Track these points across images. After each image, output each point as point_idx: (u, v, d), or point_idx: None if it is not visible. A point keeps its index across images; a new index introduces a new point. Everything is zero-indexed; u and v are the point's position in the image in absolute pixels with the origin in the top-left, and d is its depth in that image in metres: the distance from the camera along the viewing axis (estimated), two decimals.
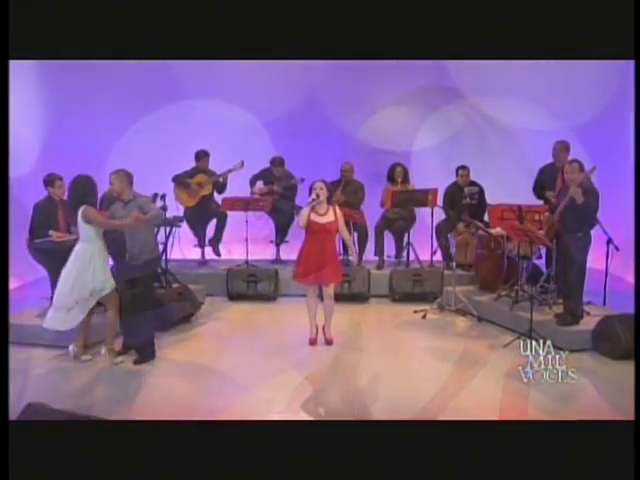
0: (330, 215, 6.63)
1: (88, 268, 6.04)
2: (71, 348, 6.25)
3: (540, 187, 8.01)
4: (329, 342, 6.86)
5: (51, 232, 6.87)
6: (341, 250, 9.14)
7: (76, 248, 6.13)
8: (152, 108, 10.25)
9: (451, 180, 9.20)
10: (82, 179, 6.20)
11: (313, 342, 6.86)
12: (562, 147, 7.89)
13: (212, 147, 9.51)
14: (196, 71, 10.00)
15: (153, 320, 6.40)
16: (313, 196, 6.56)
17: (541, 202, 7.93)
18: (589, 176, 6.56)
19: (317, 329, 6.90)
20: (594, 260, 6.99)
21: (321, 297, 6.92)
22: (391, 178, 9.20)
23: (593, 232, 6.70)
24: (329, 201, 6.69)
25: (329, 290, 6.77)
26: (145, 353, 6.25)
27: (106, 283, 6.11)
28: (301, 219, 6.62)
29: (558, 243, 6.86)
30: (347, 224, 8.51)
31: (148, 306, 6.32)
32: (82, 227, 6.07)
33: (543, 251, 7.86)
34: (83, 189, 6.15)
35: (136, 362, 6.18)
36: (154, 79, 9.99)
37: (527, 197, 8.03)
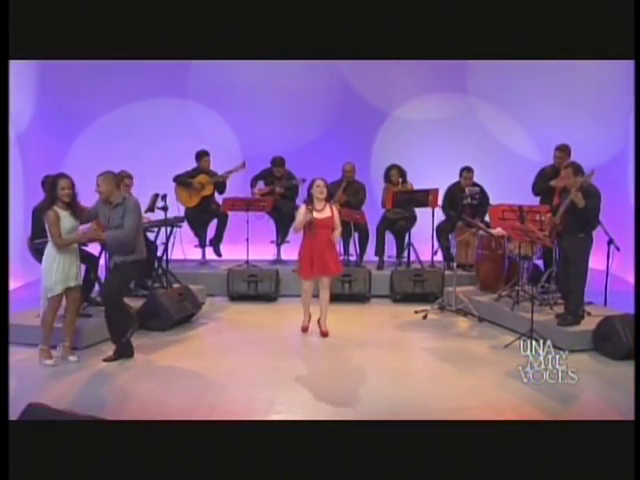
0: (327, 211, 6.92)
1: (44, 266, 6.07)
2: (58, 351, 6.25)
3: (539, 185, 8.03)
4: (325, 334, 7.06)
5: None
6: (341, 250, 9.17)
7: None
8: (154, 107, 10.27)
9: (451, 178, 9.21)
10: (46, 179, 6.25)
11: (305, 330, 7.20)
12: (562, 150, 7.90)
13: (213, 147, 9.53)
14: (197, 70, 10.03)
15: (122, 318, 6.28)
16: (321, 196, 6.85)
17: (538, 200, 7.99)
18: (589, 179, 6.55)
19: (310, 317, 7.19)
20: (595, 260, 6.98)
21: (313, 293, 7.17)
22: (388, 179, 9.21)
23: (594, 232, 6.70)
24: (326, 199, 6.95)
25: (325, 282, 7.03)
26: (118, 351, 6.26)
27: (55, 285, 6.04)
28: (298, 222, 6.93)
29: (560, 244, 6.85)
30: (348, 224, 8.57)
31: (115, 303, 6.23)
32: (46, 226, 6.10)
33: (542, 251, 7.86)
34: (45, 189, 6.23)
35: (104, 359, 6.21)
36: (156, 78, 10.03)
37: (524, 198, 8.07)
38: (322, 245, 6.85)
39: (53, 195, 6.05)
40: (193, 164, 9.33)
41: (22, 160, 9.36)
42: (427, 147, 10.36)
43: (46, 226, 6.04)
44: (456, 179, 9.11)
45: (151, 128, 10.22)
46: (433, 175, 9.41)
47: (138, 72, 9.72)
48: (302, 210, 6.91)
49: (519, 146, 10.38)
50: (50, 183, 6.12)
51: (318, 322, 7.12)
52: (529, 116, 10.30)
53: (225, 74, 10.10)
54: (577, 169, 6.49)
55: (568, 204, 6.47)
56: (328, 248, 6.93)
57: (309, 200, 6.95)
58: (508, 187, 9.03)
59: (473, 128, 10.42)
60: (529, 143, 10.35)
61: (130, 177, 7.74)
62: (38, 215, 6.97)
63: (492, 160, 9.89)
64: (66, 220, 6.04)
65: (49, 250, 6.06)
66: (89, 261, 7.00)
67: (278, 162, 9.40)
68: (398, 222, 9.21)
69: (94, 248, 7.24)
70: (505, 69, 9.83)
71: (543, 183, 8.01)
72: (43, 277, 6.09)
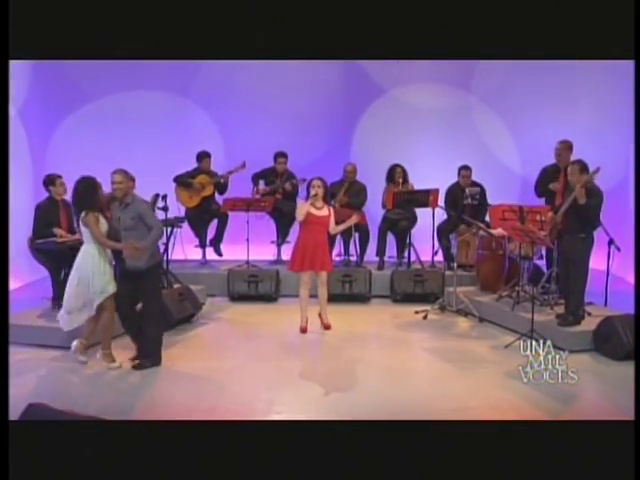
0: (325, 210, 7.18)
1: (89, 270, 5.98)
2: (74, 344, 6.15)
3: (542, 185, 8.00)
4: (327, 327, 7.30)
5: (55, 230, 6.89)
6: (342, 250, 9.18)
7: (81, 250, 6.09)
8: (157, 107, 10.28)
9: (452, 179, 9.22)
10: (84, 181, 6.07)
11: (304, 330, 7.26)
12: (564, 147, 7.83)
13: (214, 147, 9.53)
14: (197, 69, 10.02)
15: (160, 326, 6.24)
16: (313, 193, 7.05)
17: (541, 201, 7.97)
18: (593, 177, 6.54)
19: (307, 319, 7.29)
20: (595, 261, 6.98)
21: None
22: (391, 179, 9.21)
23: (595, 233, 6.69)
24: (325, 197, 7.15)
25: (322, 278, 7.26)
26: (152, 359, 6.12)
27: (106, 286, 6.02)
28: (299, 213, 7.08)
29: (560, 244, 6.83)
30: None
31: (155, 312, 6.15)
32: (83, 230, 6.04)
33: (544, 251, 7.86)
34: (83, 192, 6.01)
35: (135, 367, 6.06)
36: (156, 75, 10.04)
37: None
38: (316, 242, 7.09)
39: (94, 199, 5.99)
40: (193, 165, 9.34)
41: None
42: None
43: (86, 229, 5.97)
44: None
45: (151, 127, 10.23)
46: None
47: (139, 68, 9.74)
48: (300, 203, 7.23)
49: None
50: (91, 186, 6.02)
51: (319, 316, 7.30)
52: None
53: (223, 74, 10.12)
54: (583, 167, 6.49)
55: (571, 202, 6.45)
56: (321, 246, 7.15)
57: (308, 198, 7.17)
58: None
59: (466, 127, 10.43)
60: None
61: (132, 179, 7.74)
62: (41, 212, 6.97)
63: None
64: (102, 224, 6.04)
65: (89, 254, 5.99)
66: None
67: (281, 155, 9.40)
68: (400, 222, 9.20)
69: None
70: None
71: (545, 185, 7.95)
72: (87, 281, 5.97)
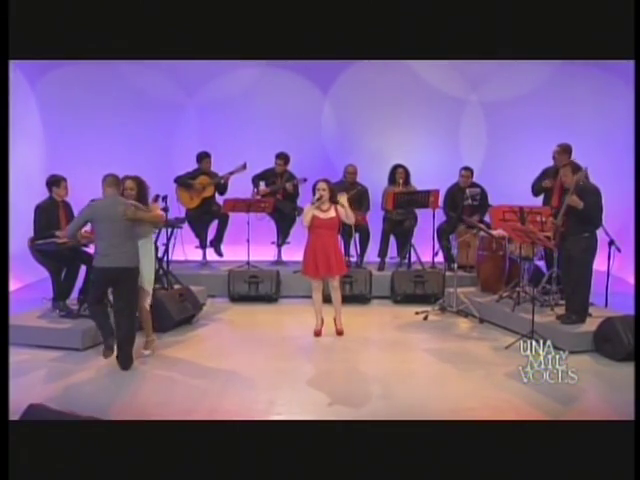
0: (332, 212, 6.98)
1: (146, 262, 6.32)
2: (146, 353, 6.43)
3: (537, 186, 8.02)
4: (340, 333, 7.18)
5: (58, 233, 6.89)
6: (342, 251, 9.15)
7: None
8: (158, 109, 10.30)
9: (452, 181, 9.22)
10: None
11: (318, 334, 7.16)
12: (561, 150, 7.80)
13: (215, 148, 9.54)
14: (197, 69, 10.02)
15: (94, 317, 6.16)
16: (317, 196, 6.90)
17: (536, 201, 8.00)
18: (585, 175, 6.53)
19: (322, 321, 7.20)
20: (596, 261, 6.96)
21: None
22: (392, 179, 9.20)
23: (597, 233, 6.67)
24: (331, 199, 6.96)
25: (335, 283, 7.10)
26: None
27: (143, 281, 6.29)
28: (305, 219, 6.98)
29: (563, 244, 6.80)
30: (349, 225, 8.53)
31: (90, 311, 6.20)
32: None
33: (544, 252, 7.85)
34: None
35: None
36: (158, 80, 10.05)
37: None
38: (326, 245, 6.94)
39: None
40: (193, 165, 9.34)
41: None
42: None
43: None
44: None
45: (151, 127, 10.25)
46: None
47: (139, 70, 9.76)
48: (307, 208, 7.03)
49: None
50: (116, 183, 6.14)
51: (334, 321, 7.19)
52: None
53: (225, 74, 10.13)
54: (575, 168, 6.50)
55: (567, 206, 6.45)
56: (332, 248, 7.00)
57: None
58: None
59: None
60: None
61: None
62: (41, 213, 6.96)
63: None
64: None
65: (142, 246, 6.23)
66: (89, 261, 7.00)
67: (279, 156, 9.38)
68: (404, 223, 9.19)
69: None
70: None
71: (540, 183, 7.99)
72: (145, 270, 6.29)
